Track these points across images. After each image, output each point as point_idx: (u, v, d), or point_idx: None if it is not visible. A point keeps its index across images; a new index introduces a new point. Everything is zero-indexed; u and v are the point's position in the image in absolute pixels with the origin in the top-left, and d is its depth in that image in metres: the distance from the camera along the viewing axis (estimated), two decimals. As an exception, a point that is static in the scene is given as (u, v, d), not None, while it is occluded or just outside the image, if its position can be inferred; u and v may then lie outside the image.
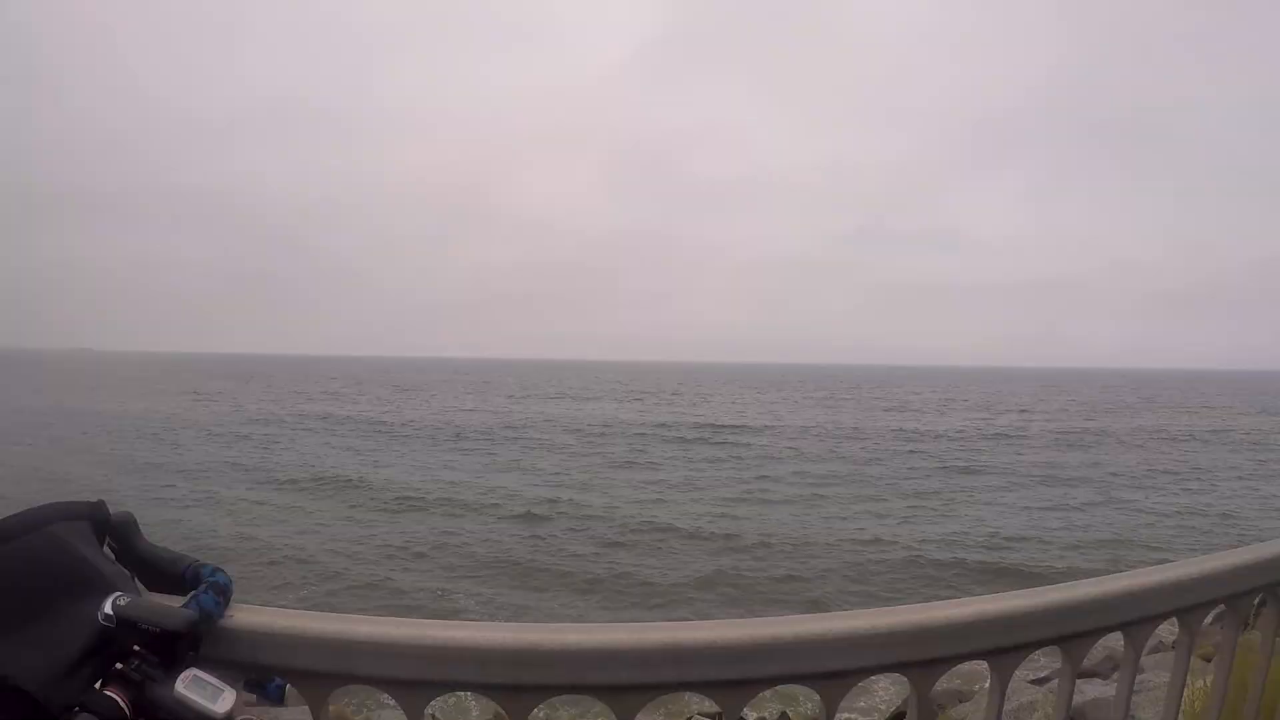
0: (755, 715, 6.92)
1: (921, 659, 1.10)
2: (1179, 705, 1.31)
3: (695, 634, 1.06)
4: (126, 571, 1.22)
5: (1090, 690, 6.31)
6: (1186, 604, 1.26)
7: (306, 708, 1.24)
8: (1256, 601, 1.42)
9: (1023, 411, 61.69)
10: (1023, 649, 1.14)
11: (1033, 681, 7.13)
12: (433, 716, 5.54)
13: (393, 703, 1.15)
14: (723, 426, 44.19)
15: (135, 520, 1.28)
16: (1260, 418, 56.50)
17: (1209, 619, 1.47)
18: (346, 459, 27.96)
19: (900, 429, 44.46)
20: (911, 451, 33.65)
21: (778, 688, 1.14)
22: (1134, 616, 1.22)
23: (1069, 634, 1.17)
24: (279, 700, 1.26)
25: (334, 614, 1.15)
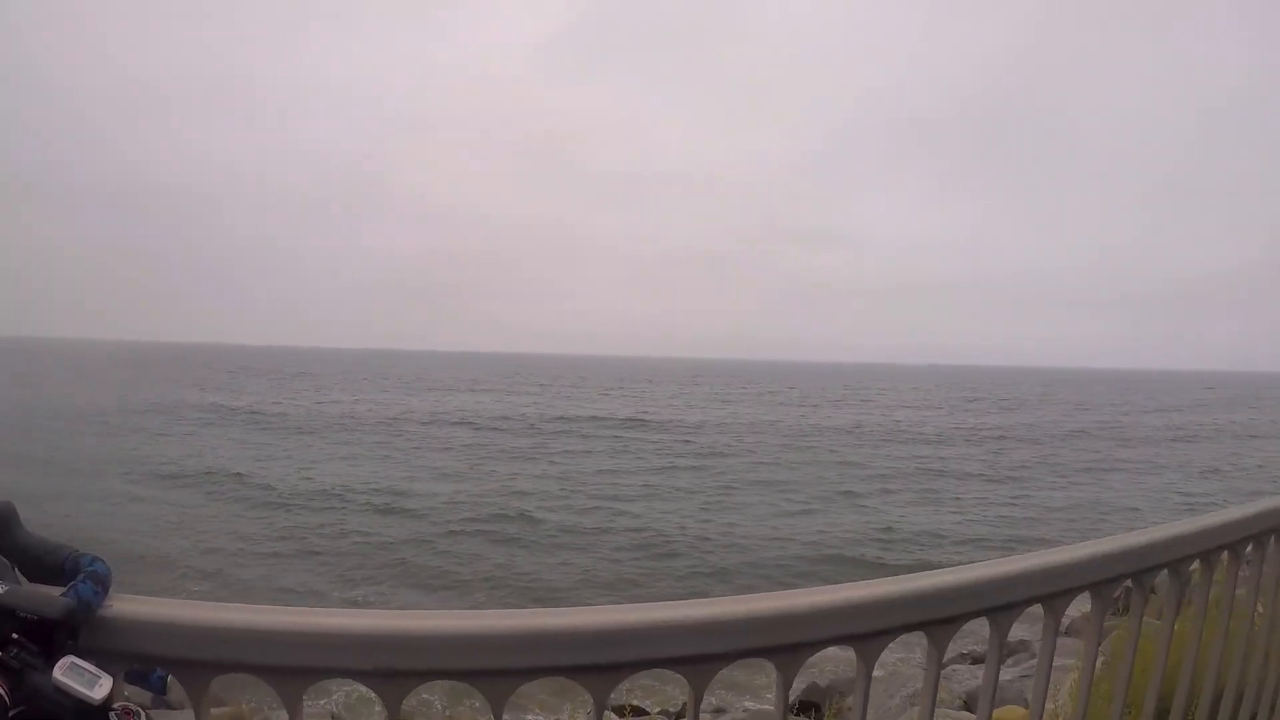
0: (658, 709, 6.99)
1: (784, 644, 1.14)
2: (1046, 686, 1.37)
3: (562, 620, 1.09)
4: (6, 561, 1.23)
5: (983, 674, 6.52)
6: (1050, 590, 1.31)
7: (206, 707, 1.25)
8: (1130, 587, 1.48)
9: (913, 408, 63.06)
10: (887, 634, 1.19)
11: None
12: (333, 715, 5.54)
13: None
14: (623, 420, 44.58)
15: (15, 510, 1.29)
16: (1154, 414, 58.55)
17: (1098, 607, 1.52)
18: (234, 452, 27.40)
19: (797, 425, 44.93)
20: (809, 446, 34.17)
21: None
22: (998, 603, 1.26)
23: (933, 620, 1.21)
24: (162, 691, 1.28)
25: (212, 603, 1.17)
